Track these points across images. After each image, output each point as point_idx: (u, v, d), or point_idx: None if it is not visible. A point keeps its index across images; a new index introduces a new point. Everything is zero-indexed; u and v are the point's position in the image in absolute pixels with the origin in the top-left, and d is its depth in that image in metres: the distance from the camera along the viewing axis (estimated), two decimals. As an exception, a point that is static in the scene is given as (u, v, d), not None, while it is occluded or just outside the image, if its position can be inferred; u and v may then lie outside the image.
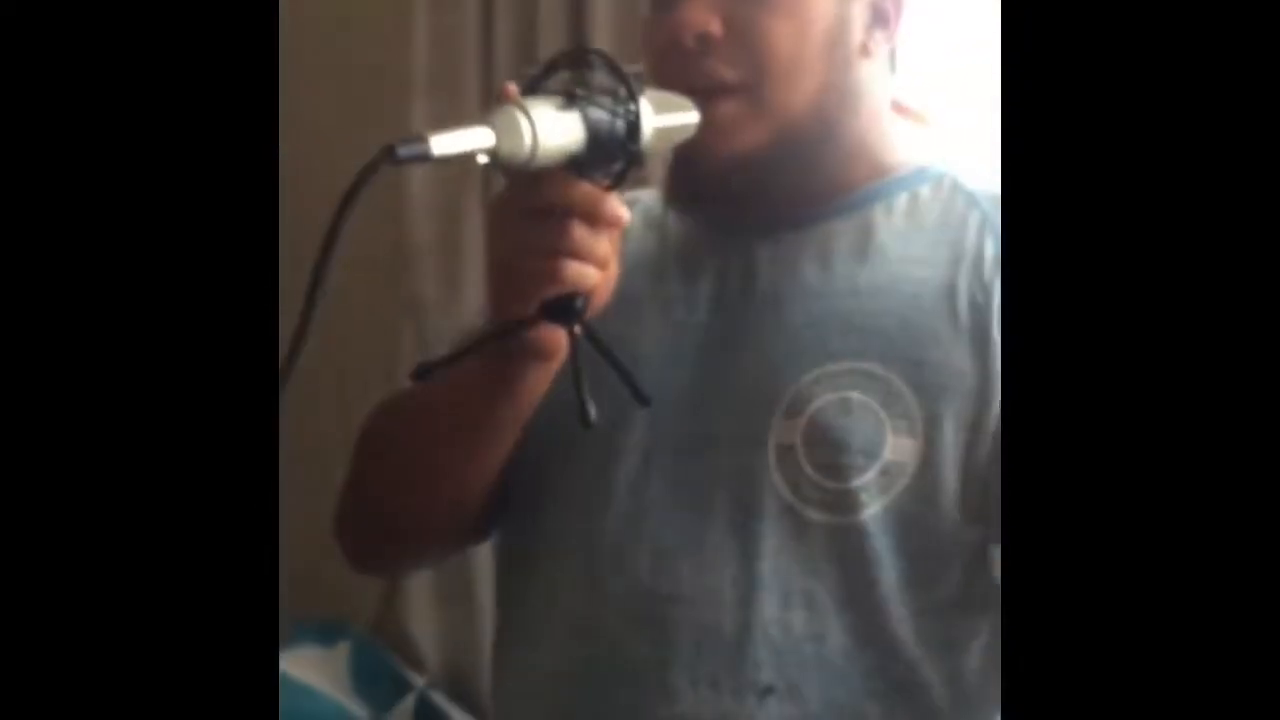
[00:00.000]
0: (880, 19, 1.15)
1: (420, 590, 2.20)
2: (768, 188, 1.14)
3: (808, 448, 1.11)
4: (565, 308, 1.01)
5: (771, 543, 1.11)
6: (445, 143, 0.92)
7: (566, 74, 1.01)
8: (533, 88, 0.99)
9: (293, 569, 2.43)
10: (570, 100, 0.98)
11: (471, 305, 2.14)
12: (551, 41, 2.05)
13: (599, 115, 0.99)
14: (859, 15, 1.14)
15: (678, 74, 1.10)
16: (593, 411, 0.98)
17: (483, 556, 2.12)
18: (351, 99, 2.32)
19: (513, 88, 0.97)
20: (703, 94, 1.08)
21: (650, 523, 1.13)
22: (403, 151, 0.90)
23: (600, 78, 1.01)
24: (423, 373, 1.04)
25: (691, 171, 1.14)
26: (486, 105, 2.04)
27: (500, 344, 1.04)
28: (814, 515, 1.11)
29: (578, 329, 1.01)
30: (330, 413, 2.31)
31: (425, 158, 0.90)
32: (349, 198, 0.89)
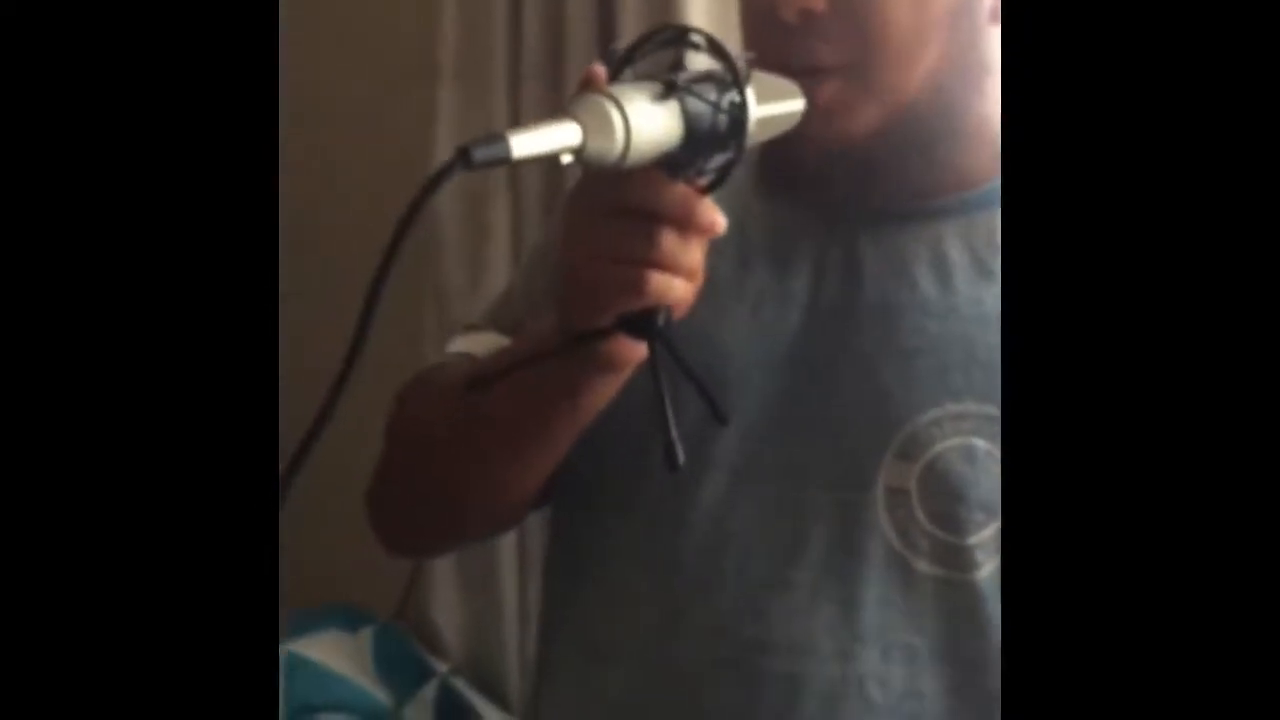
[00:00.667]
0: None
1: (443, 579, 2.19)
2: (876, 176, 1.04)
3: (923, 495, 1.02)
4: (646, 322, 0.90)
5: (875, 591, 1.02)
6: (527, 142, 0.80)
7: (656, 54, 0.90)
8: (619, 69, 0.88)
9: (316, 555, 2.44)
10: (668, 89, 0.86)
11: (495, 291, 2.13)
12: (581, 21, 2.03)
13: (699, 107, 0.87)
14: None
15: (777, 52, 0.98)
16: (681, 455, 0.88)
17: (506, 547, 2.12)
18: (376, 86, 2.31)
19: (599, 71, 0.87)
20: (805, 75, 0.97)
21: (734, 554, 1.04)
22: (479, 154, 0.79)
23: (694, 59, 0.89)
24: (479, 384, 0.97)
25: (789, 155, 1.03)
26: (514, 92, 2.06)
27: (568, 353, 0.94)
28: (923, 567, 1.02)
29: (657, 345, 0.90)
30: (353, 400, 2.31)
31: (504, 160, 0.80)
32: (417, 204, 0.79)
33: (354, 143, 2.33)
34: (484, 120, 2.07)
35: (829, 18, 1.00)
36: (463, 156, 0.79)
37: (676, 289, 0.89)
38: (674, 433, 0.88)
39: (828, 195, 1.07)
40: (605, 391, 0.98)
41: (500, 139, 0.79)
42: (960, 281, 1.05)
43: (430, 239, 2.16)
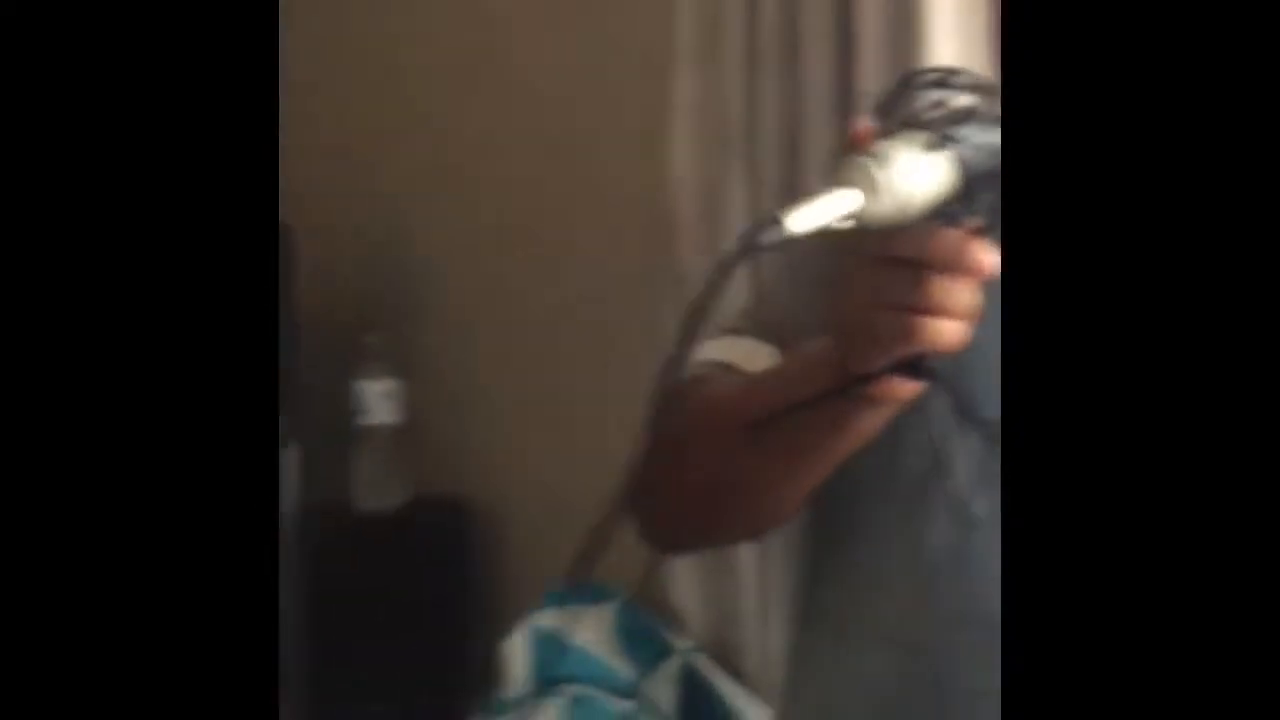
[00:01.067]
0: None
1: (683, 562, 2.21)
2: None
3: None
4: (919, 366, 0.92)
5: None
6: (807, 217, 0.83)
7: (930, 102, 0.89)
8: (884, 114, 0.89)
9: (563, 533, 2.49)
10: (941, 139, 0.86)
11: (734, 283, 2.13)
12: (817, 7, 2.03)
13: (970, 152, 0.87)
14: None
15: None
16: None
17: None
18: (609, 70, 2.35)
19: (866, 131, 0.87)
20: None
21: (979, 539, 1.08)
22: (765, 239, 0.82)
23: (972, 103, 0.89)
24: (761, 426, 0.99)
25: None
26: (751, 74, 2.06)
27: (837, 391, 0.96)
28: None
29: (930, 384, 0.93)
30: (590, 383, 2.36)
31: (787, 238, 0.83)
32: (721, 275, 0.83)
33: (590, 127, 2.36)
34: (720, 108, 2.09)
35: None
36: (749, 241, 0.83)
37: (950, 332, 0.91)
38: (955, 482, 0.91)
39: None
40: (874, 425, 1.00)
41: (778, 221, 0.83)
42: None
43: (665, 224, 2.18)
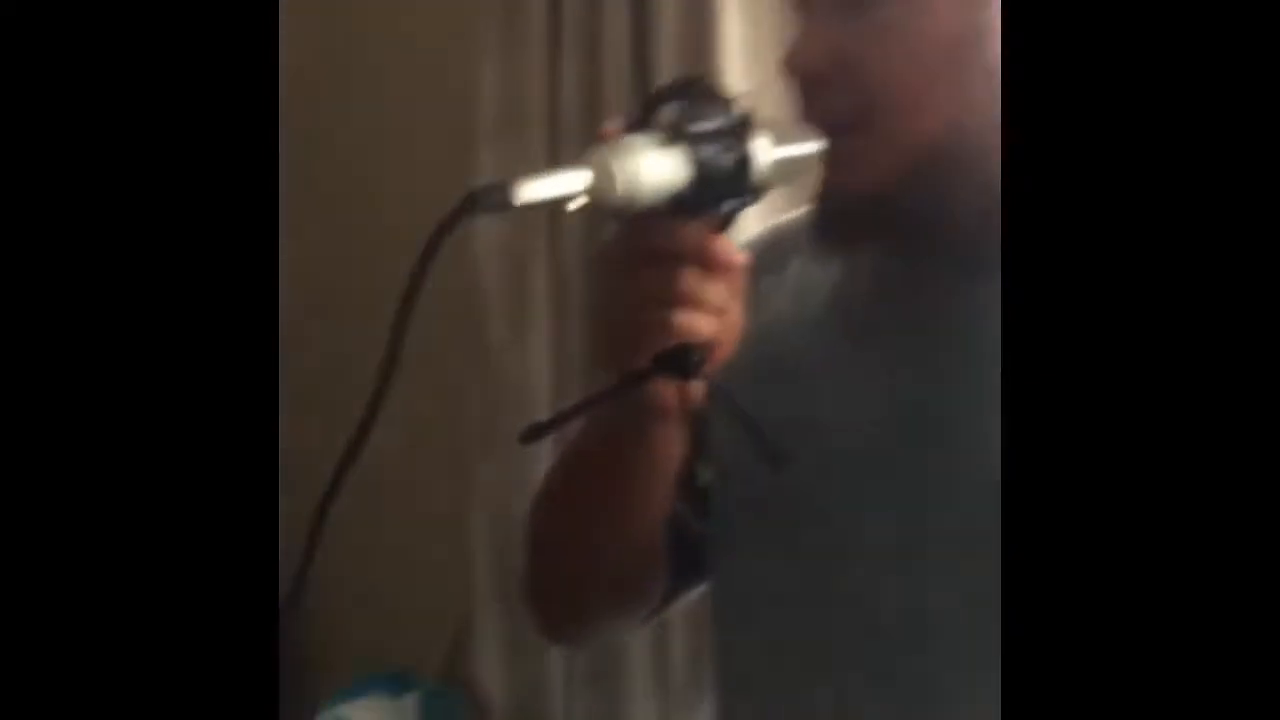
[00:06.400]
0: None
1: (488, 637, 2.18)
2: (903, 226, 1.05)
3: None
4: (679, 360, 0.95)
5: None
6: (532, 189, 0.86)
7: (676, 108, 0.95)
8: (638, 125, 0.93)
9: (361, 621, 2.43)
10: (675, 135, 0.92)
11: (538, 353, 2.13)
12: (616, 82, 2.04)
13: (707, 150, 0.92)
14: (996, 25, 1.00)
15: (801, 110, 1.04)
16: (702, 475, 0.92)
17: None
18: (416, 149, 2.32)
19: (611, 128, 0.92)
20: (823, 130, 1.01)
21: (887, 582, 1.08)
22: (486, 201, 0.85)
23: (717, 110, 0.95)
24: (531, 434, 1.00)
25: (828, 212, 1.06)
26: (552, 152, 2.06)
27: (620, 400, 0.99)
28: None
29: (694, 382, 0.95)
30: (399, 466, 2.32)
31: (509, 206, 0.85)
32: (429, 251, 0.84)
33: (394, 204, 2.34)
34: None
35: (834, 78, 1.03)
36: (471, 202, 0.84)
37: (701, 324, 0.94)
38: (699, 458, 0.94)
39: (870, 248, 1.09)
40: (665, 436, 1.02)
41: (507, 186, 0.85)
42: None
43: (474, 297, 2.16)
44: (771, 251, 1.18)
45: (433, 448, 2.24)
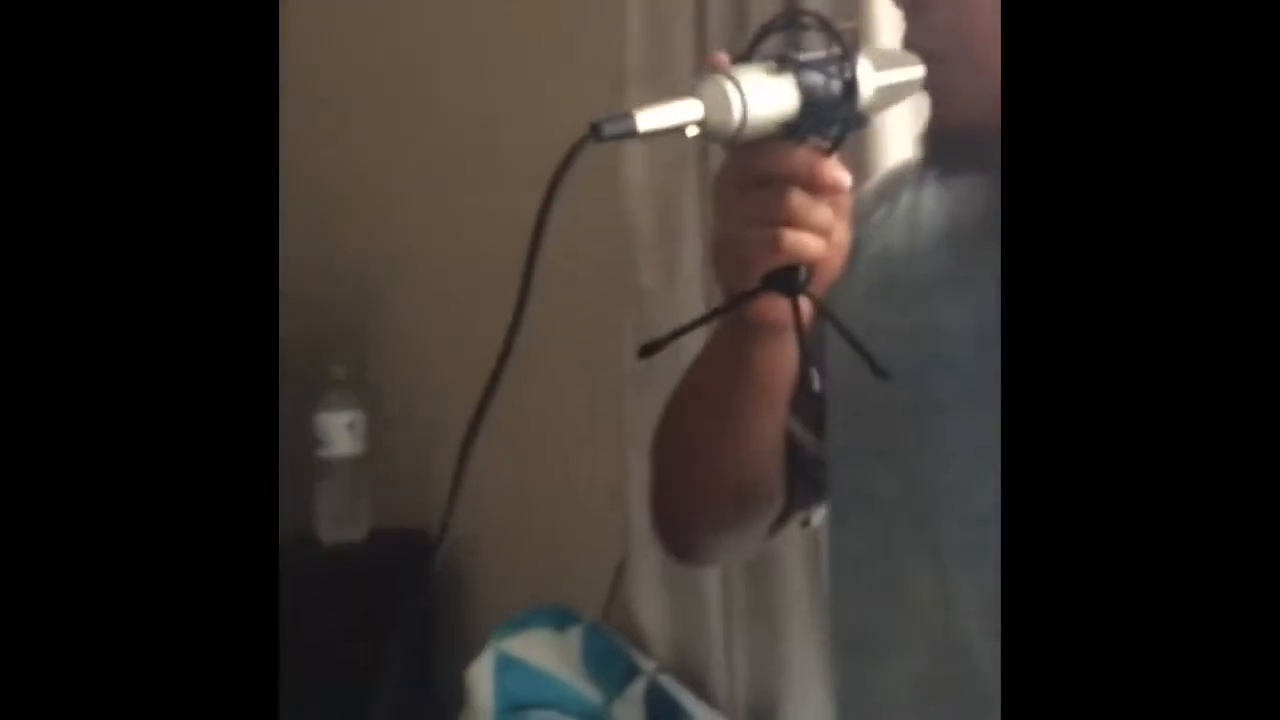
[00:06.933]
0: None
1: (648, 577, 2.21)
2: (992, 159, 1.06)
3: None
4: (787, 279, 0.99)
5: None
6: (651, 118, 0.90)
7: (782, 39, 0.99)
8: (746, 56, 0.97)
9: (525, 557, 2.47)
10: (782, 64, 0.95)
11: (691, 291, 2.15)
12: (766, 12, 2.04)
13: (814, 78, 0.96)
14: None
15: (904, 37, 1.07)
16: (816, 381, 0.95)
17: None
18: (565, 92, 2.34)
19: (722, 57, 0.95)
20: (923, 58, 1.04)
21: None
22: (608, 129, 0.89)
23: (819, 40, 0.99)
24: (646, 350, 1.04)
25: (931, 142, 1.10)
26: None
27: (731, 319, 1.04)
28: None
29: (802, 300, 0.99)
30: (552, 411, 2.35)
31: (631, 134, 0.89)
32: (556, 179, 0.88)
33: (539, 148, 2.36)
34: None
35: (930, 8, 1.07)
36: (594, 131, 0.88)
37: (809, 245, 0.98)
38: (809, 366, 0.99)
39: (976, 179, 1.11)
40: (774, 352, 1.06)
41: (627, 115, 0.89)
42: None
43: (624, 242, 2.18)
44: (884, 186, 1.21)
45: (594, 408, 2.29)
